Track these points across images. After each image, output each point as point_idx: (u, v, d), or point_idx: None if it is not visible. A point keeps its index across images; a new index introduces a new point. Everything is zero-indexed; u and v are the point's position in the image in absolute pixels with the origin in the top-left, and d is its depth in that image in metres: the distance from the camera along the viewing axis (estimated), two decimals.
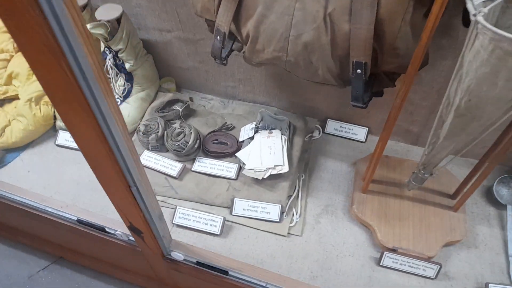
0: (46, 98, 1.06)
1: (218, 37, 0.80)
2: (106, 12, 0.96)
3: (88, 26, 0.95)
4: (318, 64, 0.76)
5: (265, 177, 0.90)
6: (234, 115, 1.11)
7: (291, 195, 0.94)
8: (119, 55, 1.01)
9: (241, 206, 0.91)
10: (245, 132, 1.03)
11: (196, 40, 1.06)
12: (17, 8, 0.35)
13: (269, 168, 0.91)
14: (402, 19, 0.67)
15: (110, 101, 0.48)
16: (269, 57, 0.78)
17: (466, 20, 0.75)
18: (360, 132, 1.09)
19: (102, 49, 1.02)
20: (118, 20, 0.97)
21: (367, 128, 1.09)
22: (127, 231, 0.75)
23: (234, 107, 1.17)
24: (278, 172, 0.90)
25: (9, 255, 1.06)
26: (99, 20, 0.94)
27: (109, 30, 0.95)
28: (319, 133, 1.09)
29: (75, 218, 0.83)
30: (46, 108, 1.05)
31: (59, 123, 1.06)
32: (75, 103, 0.45)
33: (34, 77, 1.09)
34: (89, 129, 0.48)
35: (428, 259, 0.83)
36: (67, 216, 0.84)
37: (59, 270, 1.04)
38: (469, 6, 0.54)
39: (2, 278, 1.02)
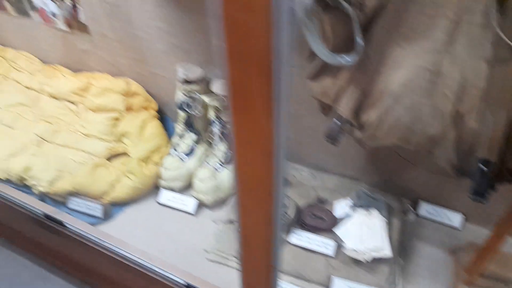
0: (154, 158, 1.14)
1: (338, 122, 0.84)
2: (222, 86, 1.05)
3: (206, 98, 1.04)
4: (439, 155, 0.77)
5: (368, 260, 0.89)
6: (325, 188, 1.13)
7: (391, 281, 0.91)
8: None
9: (340, 286, 0.90)
10: (341, 208, 1.04)
11: (297, 116, 1.12)
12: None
13: (372, 251, 0.90)
14: None
15: None
16: (388, 144, 0.81)
17: None
18: (455, 219, 1.07)
19: (212, 117, 1.10)
20: None
21: (464, 216, 1.06)
22: None
23: (323, 180, 1.19)
24: (382, 256, 0.89)
25: None
26: (216, 94, 1.03)
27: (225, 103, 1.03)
28: (414, 216, 1.08)
29: (184, 282, 0.84)
30: (154, 167, 1.12)
31: (162, 182, 1.12)
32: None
33: (145, 137, 1.18)
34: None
35: None
36: (174, 278, 0.86)
37: None
38: None
39: None
